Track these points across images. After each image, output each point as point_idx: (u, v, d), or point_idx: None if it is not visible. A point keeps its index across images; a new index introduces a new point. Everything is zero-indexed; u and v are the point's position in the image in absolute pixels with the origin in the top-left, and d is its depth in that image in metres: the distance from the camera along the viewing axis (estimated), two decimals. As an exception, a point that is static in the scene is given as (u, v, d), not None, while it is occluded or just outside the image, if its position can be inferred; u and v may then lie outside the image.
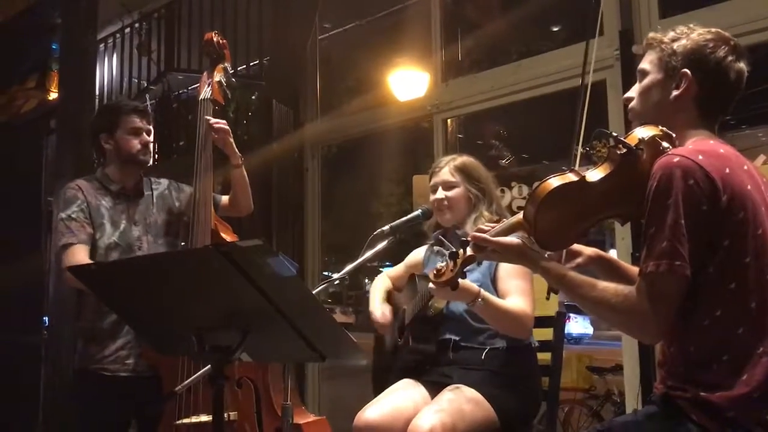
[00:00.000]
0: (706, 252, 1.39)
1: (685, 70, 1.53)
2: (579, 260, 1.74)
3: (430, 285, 1.92)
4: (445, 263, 1.66)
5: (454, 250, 1.67)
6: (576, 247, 1.73)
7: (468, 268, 2.24)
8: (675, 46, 1.55)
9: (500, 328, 2.14)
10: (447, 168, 2.36)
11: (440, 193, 2.33)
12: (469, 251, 1.59)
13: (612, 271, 1.74)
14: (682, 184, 1.37)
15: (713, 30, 1.56)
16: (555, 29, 5.23)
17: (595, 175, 1.51)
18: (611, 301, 1.43)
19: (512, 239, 1.56)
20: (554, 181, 1.50)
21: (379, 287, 2.55)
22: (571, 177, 1.50)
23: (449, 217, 2.33)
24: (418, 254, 2.54)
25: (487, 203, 2.32)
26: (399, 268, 2.59)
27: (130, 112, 2.48)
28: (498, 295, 2.17)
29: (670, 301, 1.39)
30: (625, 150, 1.48)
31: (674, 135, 1.50)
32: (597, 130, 1.57)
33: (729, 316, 1.40)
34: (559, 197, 1.48)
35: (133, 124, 2.47)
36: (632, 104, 1.61)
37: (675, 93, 1.54)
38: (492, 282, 2.22)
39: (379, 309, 2.41)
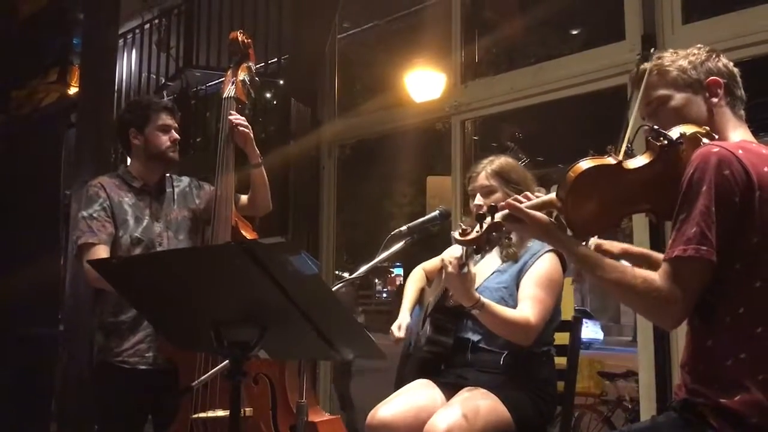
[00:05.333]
0: (734, 245, 1.39)
1: (713, 77, 1.56)
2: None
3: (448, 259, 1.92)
4: (471, 226, 1.65)
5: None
6: (605, 245, 1.74)
7: (499, 267, 2.25)
8: (683, 63, 1.59)
9: (499, 334, 2.13)
10: (483, 173, 2.32)
11: (479, 200, 2.30)
12: (497, 217, 1.59)
13: (643, 262, 1.74)
14: (717, 172, 1.38)
15: (697, 46, 1.63)
16: (574, 33, 5.21)
17: (633, 162, 1.51)
18: (632, 282, 1.44)
19: (542, 215, 1.55)
20: (590, 162, 1.48)
21: (411, 288, 2.51)
22: (609, 160, 1.50)
23: None
24: (454, 250, 2.53)
25: None
26: (435, 261, 2.55)
27: (162, 110, 2.54)
28: (517, 297, 2.18)
29: (694, 285, 1.39)
30: (665, 142, 1.48)
31: (717, 137, 1.50)
32: (639, 126, 1.57)
33: (751, 314, 1.40)
34: (593, 178, 1.47)
35: (164, 121, 2.52)
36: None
37: (714, 100, 1.56)
38: (518, 285, 2.21)
39: (397, 321, 2.38)
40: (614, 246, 1.78)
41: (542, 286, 2.17)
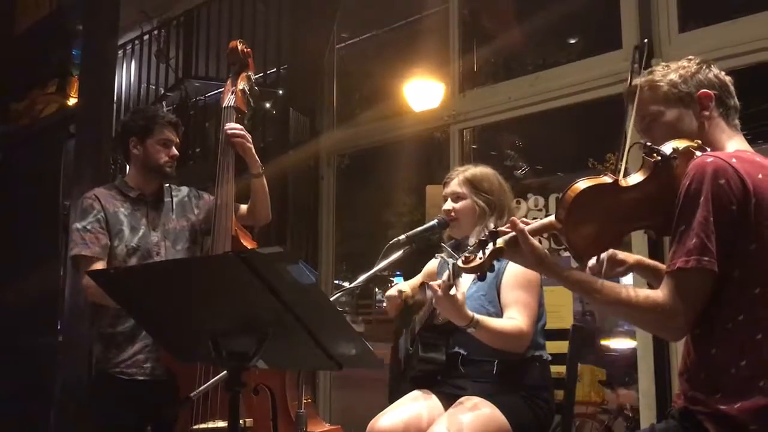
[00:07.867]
0: (733, 254, 1.40)
1: (704, 90, 1.57)
2: (620, 270, 1.74)
3: (439, 283, 1.92)
4: (474, 252, 1.63)
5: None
6: (620, 255, 1.73)
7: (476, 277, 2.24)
8: (673, 77, 1.59)
9: (495, 347, 2.13)
10: (456, 179, 2.38)
11: (448, 204, 2.35)
12: (499, 243, 1.58)
13: (654, 275, 1.74)
14: (713, 182, 1.39)
15: (688, 57, 1.64)
16: (572, 41, 5.22)
17: (629, 180, 1.51)
18: (633, 301, 1.43)
19: (538, 245, 1.55)
20: (587, 183, 1.49)
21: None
22: (605, 179, 1.50)
23: (456, 228, 2.34)
24: (432, 264, 2.54)
25: (497, 215, 2.31)
26: (416, 279, 2.57)
27: (166, 125, 2.53)
28: (500, 304, 2.18)
29: (698, 296, 1.40)
30: (659, 158, 1.48)
31: (711, 149, 1.51)
32: (633, 143, 1.57)
33: (751, 321, 1.40)
34: (591, 199, 1.48)
35: (166, 136, 2.52)
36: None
37: (706, 113, 1.57)
38: (497, 291, 2.22)
39: (394, 289, 2.39)
40: (629, 257, 1.77)
41: (523, 288, 2.17)
